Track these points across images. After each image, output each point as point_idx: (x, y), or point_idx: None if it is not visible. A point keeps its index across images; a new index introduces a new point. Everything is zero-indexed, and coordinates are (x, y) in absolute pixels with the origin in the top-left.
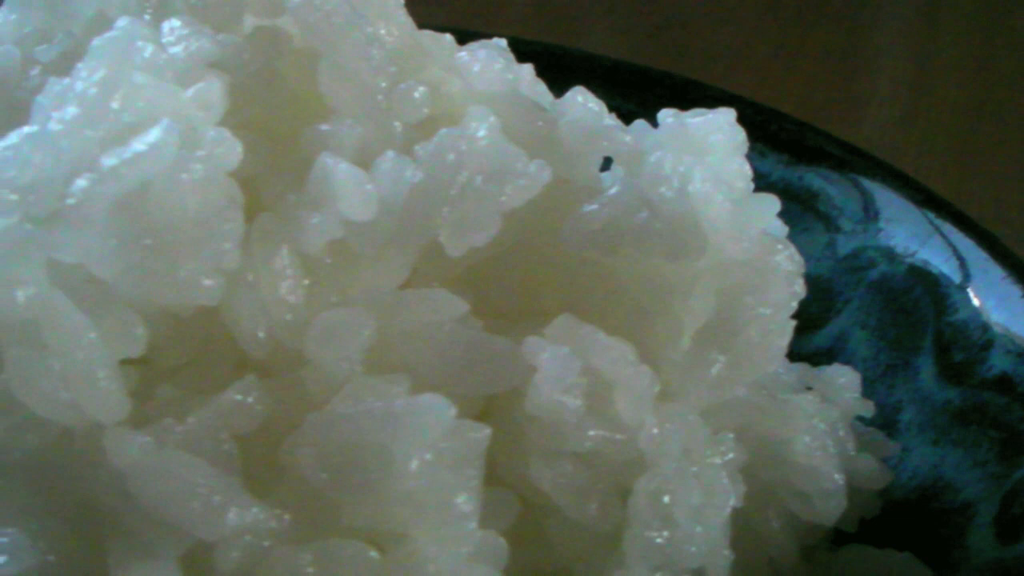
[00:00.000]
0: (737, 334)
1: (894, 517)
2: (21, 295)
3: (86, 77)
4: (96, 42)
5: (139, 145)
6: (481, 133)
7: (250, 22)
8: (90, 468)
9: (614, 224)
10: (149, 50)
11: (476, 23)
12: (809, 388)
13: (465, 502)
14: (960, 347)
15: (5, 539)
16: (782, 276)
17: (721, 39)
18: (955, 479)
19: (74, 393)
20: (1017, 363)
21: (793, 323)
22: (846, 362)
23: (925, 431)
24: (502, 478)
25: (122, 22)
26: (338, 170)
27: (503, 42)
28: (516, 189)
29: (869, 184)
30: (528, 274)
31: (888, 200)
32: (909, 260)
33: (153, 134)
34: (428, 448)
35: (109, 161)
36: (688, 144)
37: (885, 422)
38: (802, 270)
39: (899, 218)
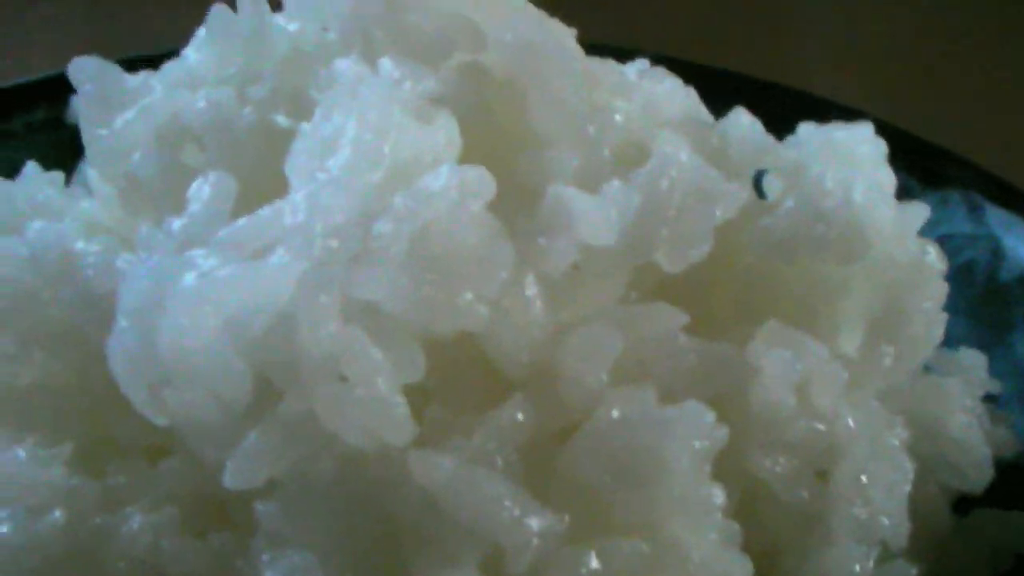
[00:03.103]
0: (904, 327)
1: (1007, 481)
2: (325, 333)
3: (358, 123)
4: (359, 87)
5: (431, 186)
6: (684, 158)
7: (455, 57)
8: (393, 488)
9: (793, 235)
10: (399, 91)
11: None
12: (928, 368)
13: (718, 495)
14: None
15: (297, 557)
16: (936, 273)
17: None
18: None
19: (375, 420)
20: None
21: (945, 315)
22: (942, 343)
23: None
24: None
25: (345, 65)
26: (578, 199)
27: (646, 63)
28: (723, 209)
29: (947, 175)
30: (706, 283)
31: (971, 192)
32: (994, 245)
33: (441, 176)
34: (690, 449)
35: (404, 203)
36: (841, 157)
37: (986, 396)
38: (946, 266)
39: (982, 206)
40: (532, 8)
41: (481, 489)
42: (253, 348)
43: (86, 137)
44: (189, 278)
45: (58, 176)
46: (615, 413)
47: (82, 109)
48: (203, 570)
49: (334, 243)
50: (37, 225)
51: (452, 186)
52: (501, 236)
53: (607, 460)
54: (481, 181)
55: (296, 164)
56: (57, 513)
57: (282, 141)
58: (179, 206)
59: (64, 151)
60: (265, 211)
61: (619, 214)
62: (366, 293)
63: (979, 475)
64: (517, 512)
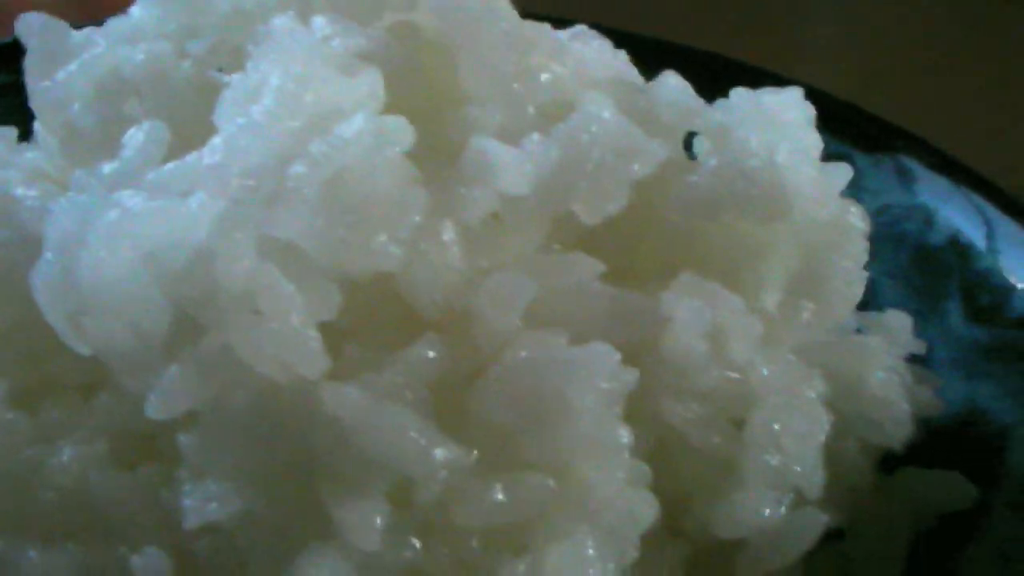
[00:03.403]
0: (823, 284)
1: (935, 442)
2: (240, 269)
3: (282, 73)
4: (287, 40)
5: (345, 133)
6: (607, 115)
7: (386, 16)
8: (305, 419)
9: (716, 193)
10: (326, 46)
11: None
12: (858, 330)
13: (624, 435)
14: (985, 292)
15: (214, 487)
16: (857, 233)
17: None
18: (989, 407)
19: (289, 353)
20: None
21: (866, 274)
22: (876, 308)
23: (957, 367)
24: (631, 415)
25: (280, 21)
26: (497, 151)
27: (584, 27)
28: (641, 165)
29: (883, 142)
30: (631, 237)
31: (911, 163)
32: (931, 216)
33: (356, 123)
34: (596, 390)
35: (320, 148)
36: (767, 120)
37: (918, 360)
38: (869, 227)
39: (921, 178)
40: None
41: (389, 421)
42: (171, 281)
43: (31, 90)
44: (112, 214)
45: (9, 131)
46: (523, 354)
47: (28, 63)
48: (129, 500)
49: (250, 183)
50: None
51: (367, 132)
52: (415, 182)
53: (515, 399)
54: (398, 129)
55: (223, 112)
56: None
57: (218, 95)
58: (116, 155)
59: (22, 114)
60: (191, 156)
61: (537, 166)
62: (281, 232)
63: (899, 431)
64: (424, 444)
